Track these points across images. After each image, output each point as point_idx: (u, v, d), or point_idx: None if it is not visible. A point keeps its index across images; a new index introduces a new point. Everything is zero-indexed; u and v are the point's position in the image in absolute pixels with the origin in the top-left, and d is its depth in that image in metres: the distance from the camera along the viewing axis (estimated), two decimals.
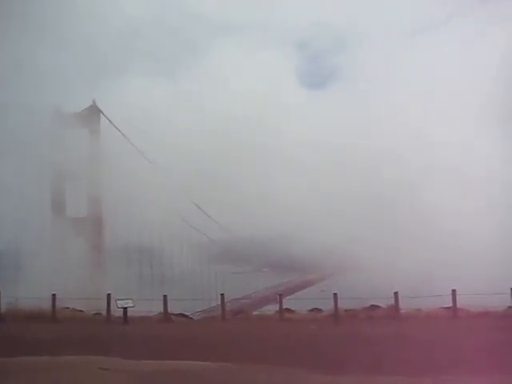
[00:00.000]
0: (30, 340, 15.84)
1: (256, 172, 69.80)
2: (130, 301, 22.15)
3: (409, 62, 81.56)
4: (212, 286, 55.51)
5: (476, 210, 56.72)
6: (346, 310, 21.29)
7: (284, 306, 22.33)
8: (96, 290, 37.20)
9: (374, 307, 21.48)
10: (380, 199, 64.90)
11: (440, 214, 57.51)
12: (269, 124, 74.67)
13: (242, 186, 66.70)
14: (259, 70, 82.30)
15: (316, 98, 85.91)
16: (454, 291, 20.05)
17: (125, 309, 21.69)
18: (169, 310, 22.25)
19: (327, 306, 21.61)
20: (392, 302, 20.78)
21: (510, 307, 19.92)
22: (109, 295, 22.15)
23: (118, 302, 21.79)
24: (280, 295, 23.18)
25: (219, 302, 23.32)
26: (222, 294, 22.88)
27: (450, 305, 20.15)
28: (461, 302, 20.03)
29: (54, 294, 22.40)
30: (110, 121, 58.32)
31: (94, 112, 58.09)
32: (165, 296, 22.42)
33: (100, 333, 18.09)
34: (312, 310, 22.26)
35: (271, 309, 24.98)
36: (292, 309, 22.72)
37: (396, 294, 20.70)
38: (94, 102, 58.16)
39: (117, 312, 21.94)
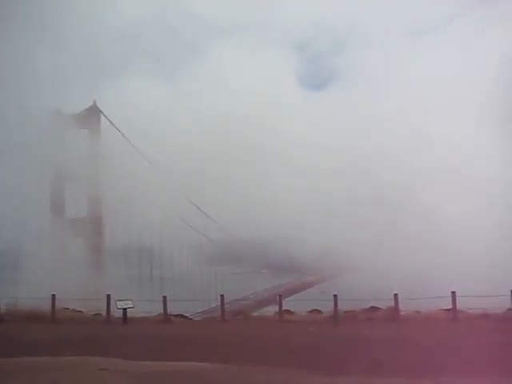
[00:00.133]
0: (30, 340, 15.83)
1: (255, 173, 69.97)
2: (130, 301, 22.14)
3: (409, 63, 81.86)
4: (212, 286, 55.48)
5: (476, 211, 56.77)
6: (345, 312, 21.27)
7: (284, 308, 22.31)
8: (96, 290, 37.21)
9: (373, 309, 21.46)
10: (380, 200, 64.98)
11: (440, 215, 57.57)
12: (268, 125, 74.89)
13: (241, 187, 66.82)
14: (259, 71, 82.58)
15: (316, 99, 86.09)
16: (453, 293, 20.02)
17: (124, 309, 21.68)
18: (168, 311, 22.23)
19: (327, 308, 21.59)
20: (392, 303, 20.77)
21: (509, 309, 19.89)
22: (108, 296, 22.14)
23: (118, 302, 21.78)
24: (280, 296, 23.18)
25: (219, 303, 23.30)
26: (221, 295, 22.86)
27: (450, 307, 20.11)
28: (460, 304, 20.00)
29: (53, 295, 22.38)
30: (110, 121, 58.46)
31: (94, 112, 58.19)
32: (164, 297, 22.41)
33: (100, 333, 18.08)
34: (312, 312, 22.24)
35: (271, 310, 24.96)
36: (292, 310, 22.69)
37: (396, 295, 20.69)
38: (94, 102, 58.24)
39: (116, 313, 21.94)
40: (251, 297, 50.44)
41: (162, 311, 22.19)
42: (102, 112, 58.21)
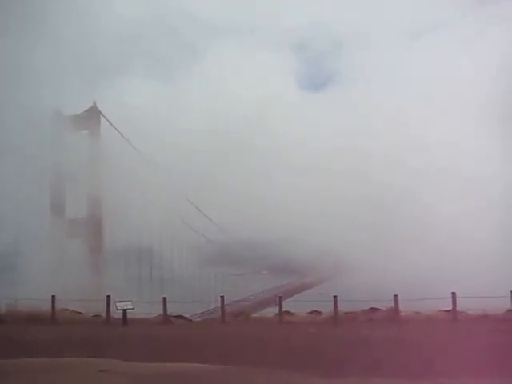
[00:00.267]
0: (30, 341, 15.84)
1: (255, 173, 69.96)
2: (130, 303, 22.15)
3: (409, 63, 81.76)
4: (211, 288, 55.49)
5: (475, 211, 56.71)
6: (345, 313, 21.27)
7: (284, 309, 22.32)
8: (95, 291, 37.20)
9: (373, 310, 21.45)
10: (380, 201, 64.90)
11: (439, 216, 57.53)
12: (268, 125, 74.95)
13: (241, 188, 66.79)
14: (259, 71, 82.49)
15: (316, 100, 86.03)
16: (453, 294, 20.02)
17: (124, 311, 21.68)
18: (168, 312, 22.23)
19: (327, 309, 21.60)
20: (392, 304, 20.77)
21: (509, 310, 19.90)
22: (108, 297, 22.15)
23: (118, 303, 21.79)
24: (280, 297, 23.17)
25: (219, 304, 23.31)
26: (221, 296, 22.86)
27: (450, 308, 20.12)
28: (460, 305, 20.01)
29: (53, 296, 22.40)
30: (110, 122, 58.44)
31: (94, 113, 58.17)
32: (164, 298, 22.41)
33: (99, 335, 18.08)
34: (311, 313, 22.23)
35: (271, 311, 24.97)
36: (291, 311, 22.68)
37: (396, 296, 20.69)
38: (94, 103, 58.25)
39: (116, 314, 21.94)
40: (251, 298, 50.46)
41: (161, 312, 22.19)
42: (102, 113, 58.25)
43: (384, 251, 56.86)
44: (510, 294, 20.20)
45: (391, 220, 61.77)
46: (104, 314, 22.09)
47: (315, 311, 22.25)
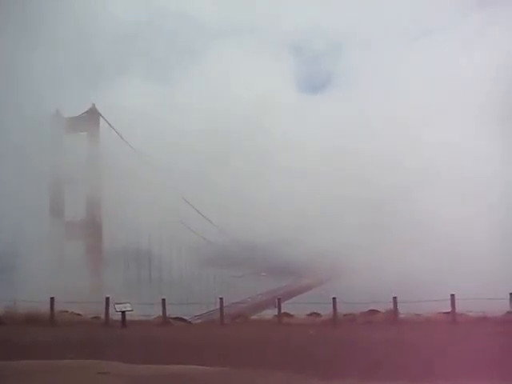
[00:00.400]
0: (29, 343, 15.82)
1: (255, 175, 69.86)
2: (129, 304, 22.13)
3: (408, 63, 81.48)
4: (210, 289, 55.51)
5: (475, 212, 56.64)
6: (344, 315, 21.27)
7: (283, 311, 22.32)
8: (94, 293, 37.20)
9: (372, 312, 21.47)
10: (379, 203, 64.88)
11: (439, 217, 57.49)
12: (267, 127, 74.79)
13: (240, 189, 66.73)
14: (259, 72, 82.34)
15: (315, 101, 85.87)
16: (452, 296, 20.03)
17: (123, 312, 21.66)
18: (167, 314, 22.22)
19: (326, 311, 21.59)
20: (391, 306, 20.77)
21: (509, 312, 19.91)
22: (107, 299, 22.13)
23: (117, 305, 21.77)
24: (279, 299, 23.17)
25: (218, 306, 23.30)
26: (220, 298, 22.86)
27: (449, 310, 20.13)
28: (460, 307, 20.01)
29: (52, 298, 22.37)
30: (109, 124, 58.40)
31: (93, 115, 58.15)
32: (163, 300, 22.40)
33: (98, 336, 18.06)
34: (311, 315, 22.23)
35: (270, 313, 24.99)
36: (291, 313, 22.68)
37: (395, 298, 20.70)
38: (93, 105, 58.25)
39: (115, 316, 21.92)
40: (249, 300, 50.49)
41: (160, 314, 22.19)
42: (101, 115, 58.25)
43: (383, 253, 56.81)
44: (509, 296, 20.24)
45: (390, 221, 61.73)
46: (103, 316, 22.07)
47: (314, 313, 22.25)
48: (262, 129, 74.24)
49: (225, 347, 15.39)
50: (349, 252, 59.50)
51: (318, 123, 76.70)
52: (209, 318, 27.95)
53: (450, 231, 55.25)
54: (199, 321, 26.79)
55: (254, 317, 26.14)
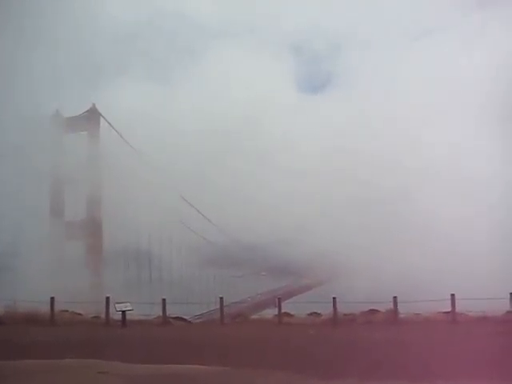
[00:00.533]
0: (29, 343, 15.81)
1: (255, 175, 69.79)
2: (129, 304, 22.14)
3: (408, 63, 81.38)
4: (210, 289, 55.49)
5: (475, 212, 56.61)
6: (344, 315, 21.29)
7: (283, 310, 22.33)
8: (95, 293, 37.21)
9: (372, 311, 21.48)
10: (379, 203, 64.83)
11: (439, 217, 57.45)
12: (267, 127, 74.75)
13: (240, 189, 66.70)
14: (259, 72, 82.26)
15: (315, 101, 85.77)
16: (453, 296, 20.04)
17: (123, 312, 21.67)
18: (167, 314, 22.23)
19: (326, 310, 21.60)
20: (391, 306, 20.78)
21: (509, 312, 19.92)
22: (107, 298, 22.14)
23: (117, 305, 21.78)
24: (279, 299, 23.17)
25: (218, 306, 23.30)
26: (220, 298, 22.87)
27: (449, 309, 20.14)
28: (460, 307, 20.02)
29: (52, 297, 22.38)
30: (109, 123, 58.42)
31: (93, 114, 58.17)
32: (163, 299, 22.41)
33: (98, 336, 18.07)
34: (311, 314, 22.24)
35: (270, 312, 24.99)
36: (291, 313, 22.69)
37: (395, 298, 20.71)
38: (93, 104, 58.27)
39: (115, 315, 21.92)
40: (249, 299, 50.51)
41: (161, 314, 22.19)
42: (101, 115, 58.28)
43: (383, 253, 56.77)
44: (509, 295, 20.24)
45: (390, 221, 61.68)
46: (103, 316, 22.09)
47: (314, 313, 22.26)
48: (261, 129, 74.21)
49: (225, 347, 15.39)
50: (349, 252, 59.45)
51: (318, 123, 76.66)
52: (209, 317, 27.94)
53: (450, 231, 55.19)
54: (199, 320, 26.78)
55: (254, 316, 26.14)
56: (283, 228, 65.67)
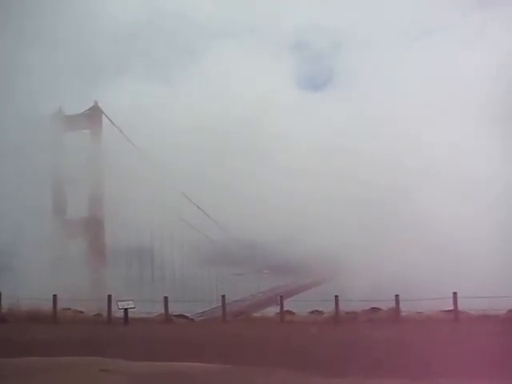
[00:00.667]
0: (31, 341, 15.84)
1: (256, 174, 69.73)
2: (131, 302, 22.20)
3: (408, 63, 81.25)
4: (212, 287, 55.57)
5: (476, 212, 56.57)
6: (346, 313, 21.31)
7: (285, 308, 22.37)
8: (97, 291, 37.29)
9: (374, 310, 21.50)
10: (380, 202, 64.79)
11: (440, 216, 57.43)
12: (268, 126, 74.65)
13: (241, 188, 66.66)
14: (259, 72, 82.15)
15: (315, 100, 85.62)
16: (455, 294, 20.04)
17: (125, 310, 21.72)
18: (169, 311, 22.27)
19: (328, 308, 21.61)
20: (393, 304, 20.79)
21: (511, 310, 19.90)
22: (109, 296, 22.19)
23: (119, 303, 21.84)
24: (281, 297, 23.20)
25: (220, 304, 23.33)
26: (222, 296, 22.92)
27: (451, 308, 20.13)
28: (462, 305, 20.02)
29: (54, 295, 22.44)
30: (111, 122, 58.39)
31: (95, 113, 58.19)
32: (166, 297, 22.46)
33: (101, 334, 18.12)
34: (313, 312, 22.27)
35: (272, 311, 25.05)
36: (293, 311, 22.74)
37: (397, 296, 20.71)
38: (95, 102, 58.28)
39: (117, 313, 21.98)
40: (251, 297, 50.57)
41: (163, 311, 22.24)
42: (103, 112, 58.29)
43: (383, 253, 56.77)
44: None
45: (390, 221, 61.65)
46: (105, 313, 22.15)
47: (316, 311, 22.29)
48: (261, 128, 74.10)
49: (226, 345, 15.41)
50: (349, 252, 59.43)
51: (318, 123, 76.53)
52: (211, 315, 28.02)
53: (449, 231, 55.16)
54: (201, 318, 26.83)
55: (256, 314, 26.18)
56: (283, 227, 65.64)
